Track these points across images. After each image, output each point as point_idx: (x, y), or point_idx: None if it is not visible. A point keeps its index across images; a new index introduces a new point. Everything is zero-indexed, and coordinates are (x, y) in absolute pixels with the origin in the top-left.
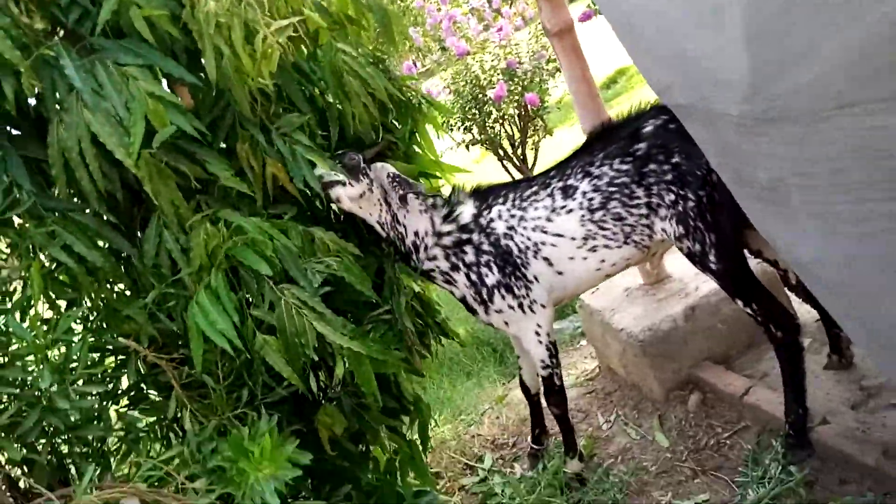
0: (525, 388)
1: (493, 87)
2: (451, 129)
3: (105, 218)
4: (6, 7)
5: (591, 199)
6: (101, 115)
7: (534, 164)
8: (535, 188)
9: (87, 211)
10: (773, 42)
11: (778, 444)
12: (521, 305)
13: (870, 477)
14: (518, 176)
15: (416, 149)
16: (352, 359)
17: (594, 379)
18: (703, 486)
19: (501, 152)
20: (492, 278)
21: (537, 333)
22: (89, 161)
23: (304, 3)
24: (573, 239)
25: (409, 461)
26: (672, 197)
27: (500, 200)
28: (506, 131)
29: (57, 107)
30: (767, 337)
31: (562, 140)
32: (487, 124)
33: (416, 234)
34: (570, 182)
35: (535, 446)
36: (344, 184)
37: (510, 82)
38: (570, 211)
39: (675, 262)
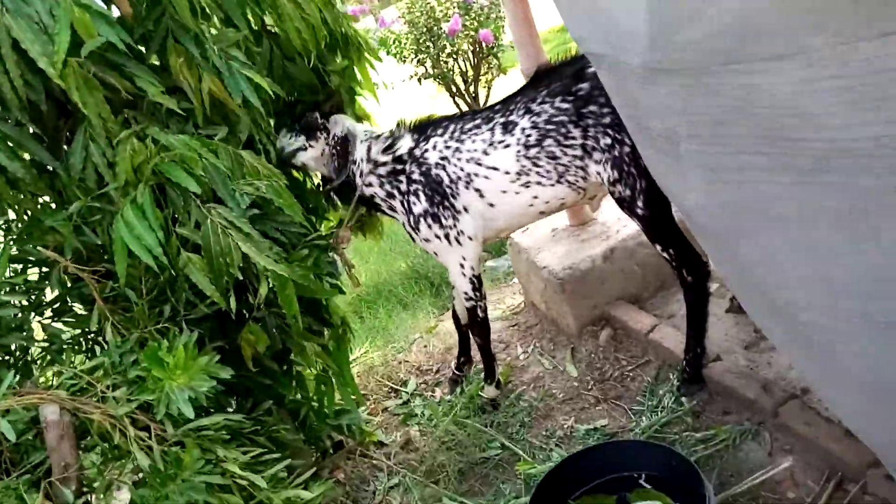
0: (455, 318)
1: (448, 21)
2: (404, 61)
3: (28, 128)
4: None
5: (528, 136)
6: (23, 20)
7: (486, 103)
8: (477, 121)
9: (9, 121)
10: (667, 1)
11: (674, 378)
12: (447, 236)
13: (749, 409)
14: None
15: (355, 85)
16: (276, 280)
17: (519, 313)
18: (603, 413)
19: (454, 88)
20: (419, 207)
21: (461, 266)
22: (10, 68)
23: None
24: (507, 173)
25: (338, 377)
26: (608, 140)
27: (440, 132)
28: (459, 67)
29: None
30: (679, 280)
31: (516, 79)
32: (441, 58)
33: (354, 161)
34: (511, 118)
35: (456, 372)
36: (305, 148)
37: (465, 17)
38: (507, 146)
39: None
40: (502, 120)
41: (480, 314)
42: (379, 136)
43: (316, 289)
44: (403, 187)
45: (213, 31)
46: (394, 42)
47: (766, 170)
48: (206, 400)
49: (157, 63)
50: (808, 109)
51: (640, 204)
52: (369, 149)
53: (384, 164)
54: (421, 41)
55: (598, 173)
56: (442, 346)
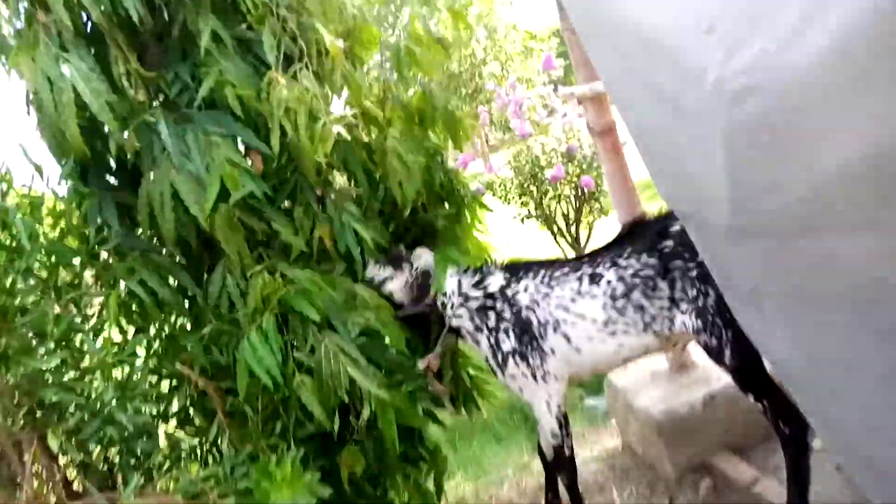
0: (542, 455)
1: (552, 168)
2: (509, 202)
3: (177, 259)
4: (119, 79)
5: (614, 288)
6: (184, 174)
7: (586, 243)
8: (566, 270)
9: (163, 253)
10: (746, 175)
11: None
12: (534, 374)
13: None
14: (571, 254)
15: (458, 231)
16: (378, 405)
17: (615, 456)
18: None
19: (556, 229)
20: (508, 345)
21: (548, 404)
22: (167, 212)
23: (370, 94)
24: (594, 321)
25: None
26: (694, 292)
27: (531, 276)
28: (561, 209)
29: (151, 163)
30: (776, 432)
31: (616, 222)
32: (544, 202)
33: (445, 294)
34: (598, 270)
35: None
36: (392, 278)
37: (568, 164)
38: (594, 297)
39: (701, 352)
40: (589, 271)
41: (567, 452)
42: (467, 271)
43: (413, 416)
44: (492, 323)
45: (336, 185)
46: (499, 185)
47: (847, 328)
48: None
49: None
50: (881, 275)
51: (727, 353)
52: (460, 283)
53: (475, 298)
54: (525, 185)
55: (684, 323)
56: (535, 484)
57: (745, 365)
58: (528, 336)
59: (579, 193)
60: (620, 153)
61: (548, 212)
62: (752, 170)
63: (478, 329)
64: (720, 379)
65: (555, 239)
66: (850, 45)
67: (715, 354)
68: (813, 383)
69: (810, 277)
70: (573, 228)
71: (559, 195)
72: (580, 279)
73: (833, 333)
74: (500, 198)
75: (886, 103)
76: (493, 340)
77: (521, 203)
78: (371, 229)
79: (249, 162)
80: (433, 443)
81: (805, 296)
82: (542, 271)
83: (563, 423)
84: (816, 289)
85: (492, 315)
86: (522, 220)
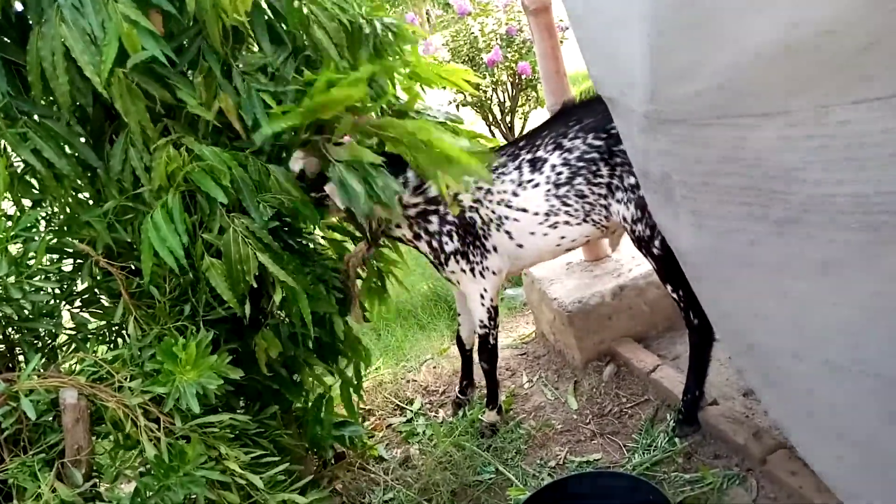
0: (460, 343)
1: (490, 52)
2: (444, 87)
3: (76, 129)
4: None
5: (558, 174)
6: (76, 31)
7: (521, 133)
8: (503, 160)
9: (60, 120)
10: (668, 56)
11: (671, 418)
12: (472, 270)
13: (739, 454)
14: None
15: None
16: (288, 290)
17: (528, 343)
18: (598, 447)
19: (491, 118)
20: (451, 246)
21: (482, 296)
22: (60, 74)
23: None
24: (536, 214)
25: (344, 388)
26: (632, 180)
27: None
28: (497, 97)
29: (39, 16)
30: (685, 322)
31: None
32: (480, 87)
33: None
34: (539, 154)
35: (460, 396)
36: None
37: (507, 49)
38: (536, 185)
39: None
40: (529, 157)
41: (492, 342)
42: (406, 181)
43: (324, 303)
44: (433, 227)
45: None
46: None
47: (748, 219)
48: (215, 399)
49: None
50: (788, 164)
51: (656, 244)
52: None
53: (414, 205)
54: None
55: (620, 212)
56: (451, 369)
57: (670, 255)
58: (471, 236)
59: (516, 80)
60: (554, 35)
61: (483, 98)
62: (675, 50)
63: (416, 237)
64: (631, 271)
65: (489, 128)
66: None
67: (644, 244)
68: (711, 271)
69: (718, 165)
70: (509, 118)
71: (496, 81)
72: (519, 167)
73: (735, 222)
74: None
75: None
76: (435, 244)
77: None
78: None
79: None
80: (350, 335)
81: (712, 185)
82: None
83: (493, 314)
84: (723, 178)
85: (434, 219)
86: (458, 106)
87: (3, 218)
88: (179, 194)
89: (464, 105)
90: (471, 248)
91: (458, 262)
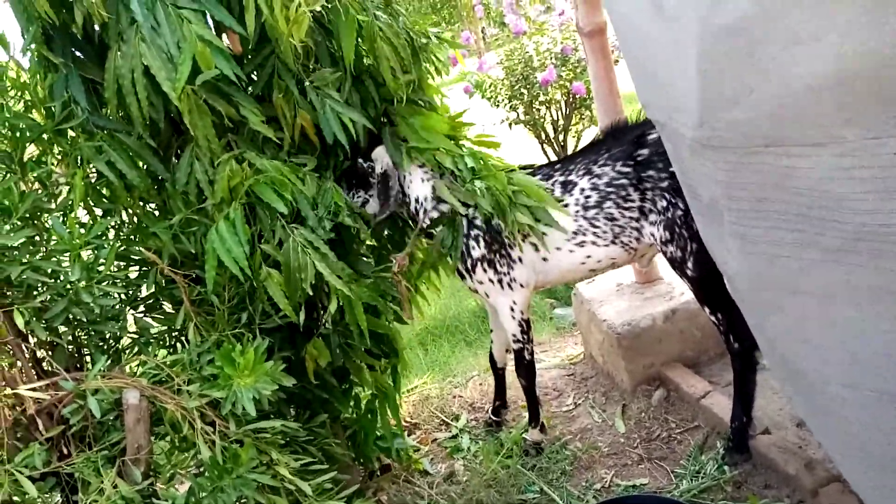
0: (492, 361)
1: (545, 71)
2: (498, 105)
3: (147, 142)
4: None
5: (587, 197)
6: (155, 49)
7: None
8: (538, 178)
9: (132, 135)
10: (717, 83)
11: (720, 446)
12: (500, 281)
13: (789, 485)
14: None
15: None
16: (345, 300)
17: (576, 363)
18: (645, 472)
19: (543, 135)
20: (478, 252)
21: (512, 309)
22: (138, 90)
23: None
24: (563, 231)
25: (384, 400)
26: (664, 203)
27: None
28: (551, 116)
29: (118, 36)
30: (726, 346)
31: None
32: (534, 106)
33: (418, 200)
34: (570, 177)
35: (493, 417)
36: (366, 201)
37: (561, 68)
38: (566, 206)
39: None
40: (561, 178)
41: (527, 357)
42: (443, 175)
43: (382, 310)
44: (464, 230)
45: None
46: (489, 87)
47: (797, 245)
48: (269, 405)
49: (261, 94)
50: (840, 194)
51: (689, 265)
52: (433, 188)
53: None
54: (515, 88)
55: (652, 234)
56: None
57: (705, 277)
58: (498, 244)
59: (570, 100)
60: (608, 56)
61: (536, 117)
62: (723, 77)
63: None
64: (683, 294)
65: (542, 147)
66: None
67: (678, 265)
68: (758, 297)
69: (768, 192)
70: (562, 136)
71: (550, 100)
72: (552, 187)
73: (783, 248)
74: (490, 100)
75: (856, 16)
76: (463, 246)
77: (510, 107)
78: (357, 113)
79: (226, 43)
80: (399, 344)
81: (761, 211)
82: None
83: (526, 328)
84: (773, 205)
85: (464, 221)
86: (510, 125)
87: (76, 226)
88: (241, 206)
89: (516, 123)
90: (497, 256)
91: (485, 271)
